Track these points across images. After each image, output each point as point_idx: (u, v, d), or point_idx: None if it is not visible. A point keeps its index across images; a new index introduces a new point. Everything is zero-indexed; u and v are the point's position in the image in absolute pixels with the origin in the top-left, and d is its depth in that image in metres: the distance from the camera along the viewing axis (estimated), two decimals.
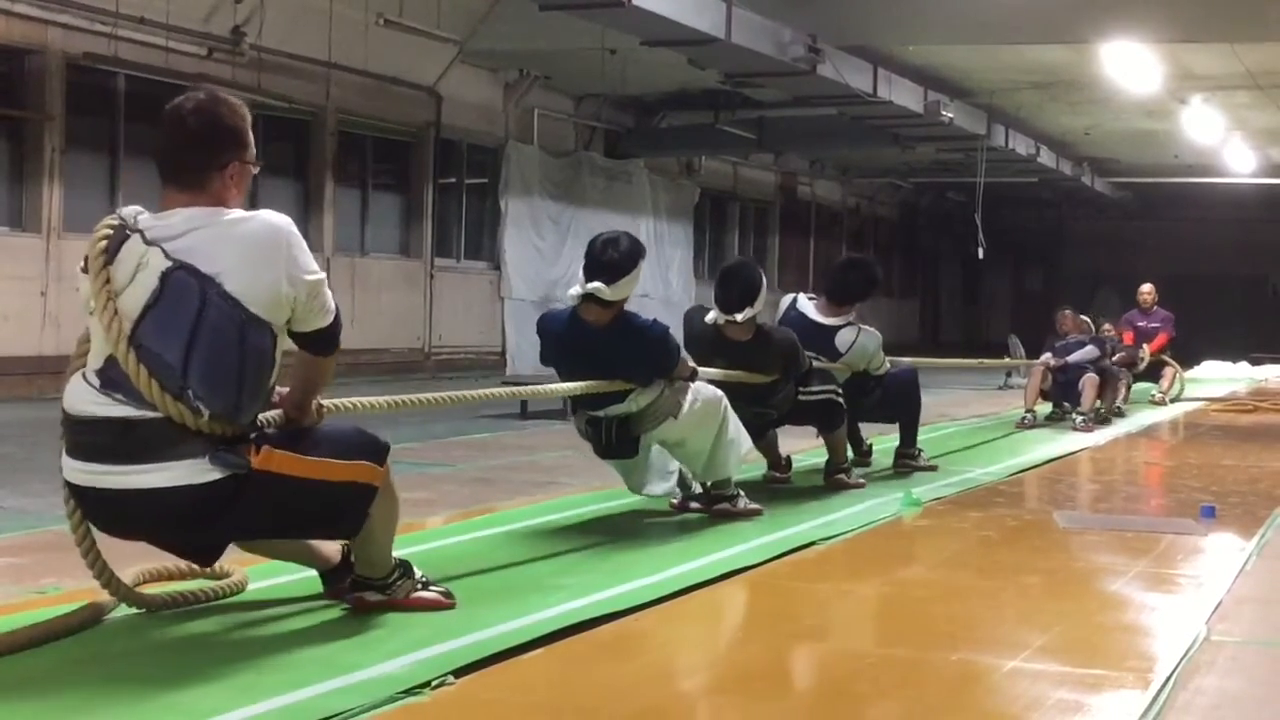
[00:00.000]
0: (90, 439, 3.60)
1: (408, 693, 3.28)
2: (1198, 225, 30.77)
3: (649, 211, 21.84)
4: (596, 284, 5.54)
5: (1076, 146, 24.53)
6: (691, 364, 5.95)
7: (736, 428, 6.08)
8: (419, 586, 4.13)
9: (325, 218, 15.71)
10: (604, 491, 6.80)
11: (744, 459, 6.20)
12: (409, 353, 16.90)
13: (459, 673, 3.44)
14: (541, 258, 19.53)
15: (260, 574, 4.39)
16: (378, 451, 3.89)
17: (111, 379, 3.57)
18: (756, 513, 6.07)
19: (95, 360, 3.63)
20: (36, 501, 6.48)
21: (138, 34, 13.15)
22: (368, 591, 4.06)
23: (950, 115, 17.97)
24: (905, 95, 17.21)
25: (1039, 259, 33.69)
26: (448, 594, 4.17)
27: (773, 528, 5.80)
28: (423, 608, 4.07)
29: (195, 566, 4.24)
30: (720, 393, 6.06)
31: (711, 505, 6.09)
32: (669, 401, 5.79)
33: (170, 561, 4.26)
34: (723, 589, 4.68)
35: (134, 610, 3.98)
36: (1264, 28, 14.46)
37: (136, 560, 4.26)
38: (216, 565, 4.27)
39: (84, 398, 3.61)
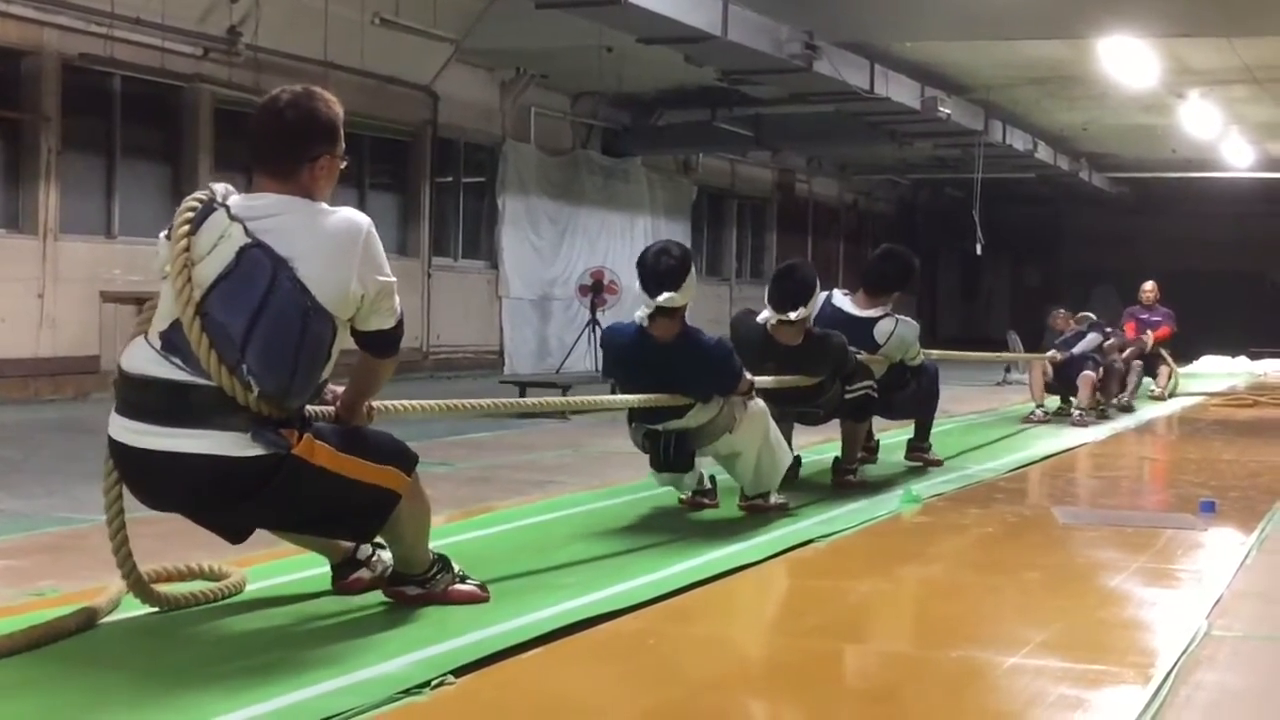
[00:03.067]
0: (142, 398, 3.70)
1: (407, 692, 3.28)
2: (1196, 220, 30.75)
3: (647, 209, 21.83)
4: (666, 294, 5.61)
5: (1074, 142, 24.52)
6: (749, 378, 6.00)
7: (776, 435, 6.15)
8: (457, 580, 4.21)
9: None
10: (603, 490, 6.81)
11: (784, 469, 6.24)
12: (407, 352, 16.78)
13: (459, 672, 3.43)
14: (539, 256, 19.53)
15: (259, 575, 4.38)
16: (407, 460, 3.97)
17: (173, 343, 3.67)
18: (784, 507, 6.16)
19: (161, 323, 3.73)
20: (34, 504, 6.47)
21: (133, 35, 13.12)
22: (407, 586, 4.14)
23: (947, 111, 17.95)
24: (902, 91, 17.19)
25: (1037, 255, 33.66)
26: (483, 587, 4.26)
27: (772, 526, 5.80)
28: (460, 601, 4.15)
29: (194, 567, 4.29)
30: (762, 402, 6.12)
31: (744, 500, 6.16)
32: (726, 417, 5.88)
33: (170, 563, 4.28)
34: (722, 587, 4.67)
35: (130, 613, 3.97)
36: (1261, 22, 14.46)
37: (153, 556, 4.28)
38: (216, 566, 4.30)
39: (143, 357, 3.72)
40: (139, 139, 13.90)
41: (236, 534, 3.98)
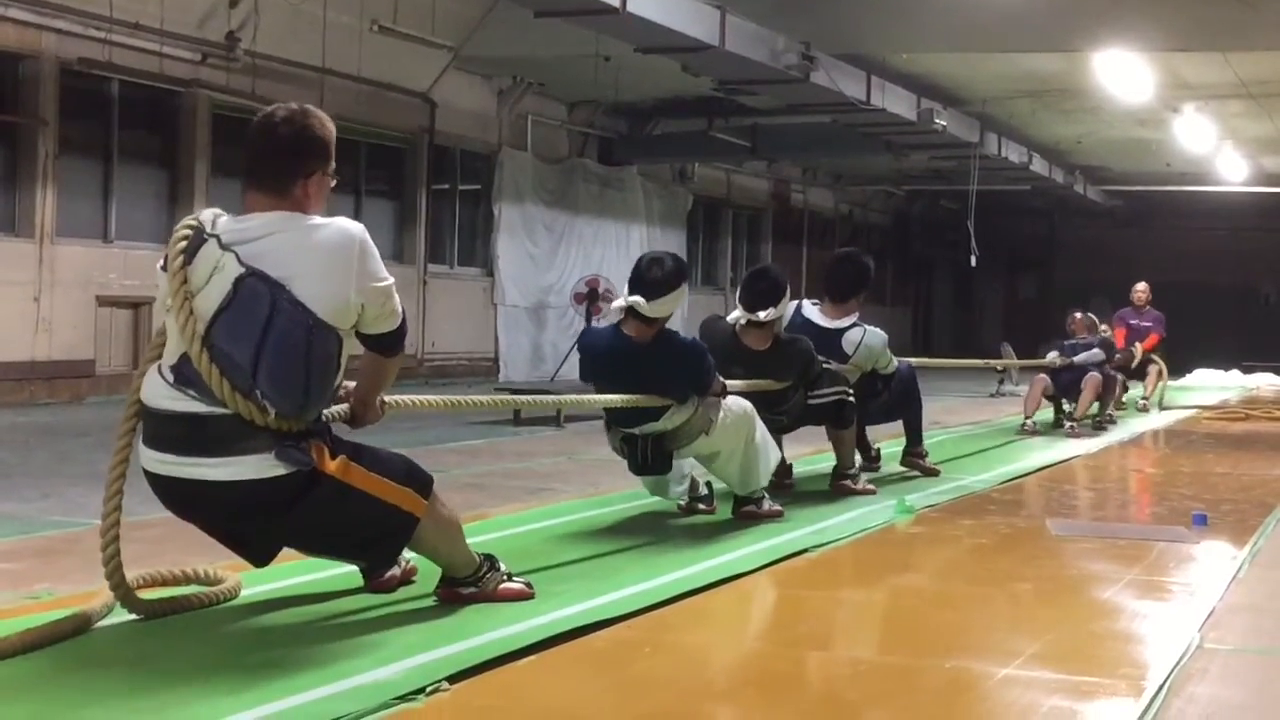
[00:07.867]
0: (164, 431, 3.76)
1: (402, 699, 3.28)
2: (1190, 234, 30.82)
3: (642, 218, 21.85)
4: (636, 298, 5.66)
5: (1069, 154, 24.57)
6: (722, 380, 6.04)
7: (764, 435, 6.19)
8: (504, 579, 4.33)
9: None
10: (597, 498, 6.81)
11: (772, 468, 6.28)
12: (402, 359, 16.87)
13: (453, 679, 3.44)
14: (535, 264, 19.55)
15: (254, 580, 4.39)
16: (424, 483, 4.04)
17: (185, 376, 3.72)
18: (779, 514, 6.20)
19: (170, 357, 3.78)
20: (29, 507, 6.47)
21: (132, 39, 13.15)
22: (461, 587, 4.24)
23: (943, 123, 17.99)
24: (898, 103, 17.24)
25: (1032, 267, 33.73)
26: (529, 585, 4.40)
27: (765, 535, 5.81)
28: (510, 599, 4.28)
29: (189, 571, 4.30)
30: (748, 403, 6.16)
31: (739, 508, 6.19)
32: (702, 419, 5.89)
33: (166, 568, 4.29)
34: (715, 596, 4.68)
35: (125, 617, 3.98)
36: (1255, 37, 14.51)
37: (148, 560, 4.28)
38: (210, 570, 4.31)
39: (159, 392, 3.77)
40: (136, 144, 13.91)
41: (263, 557, 4.06)
